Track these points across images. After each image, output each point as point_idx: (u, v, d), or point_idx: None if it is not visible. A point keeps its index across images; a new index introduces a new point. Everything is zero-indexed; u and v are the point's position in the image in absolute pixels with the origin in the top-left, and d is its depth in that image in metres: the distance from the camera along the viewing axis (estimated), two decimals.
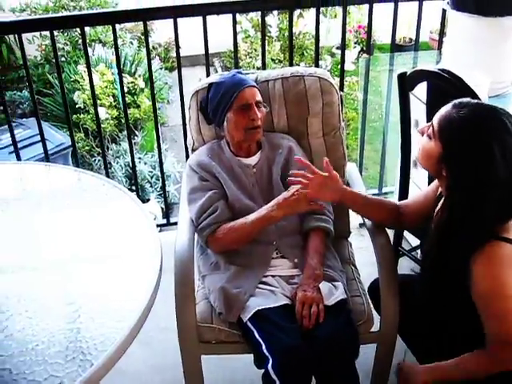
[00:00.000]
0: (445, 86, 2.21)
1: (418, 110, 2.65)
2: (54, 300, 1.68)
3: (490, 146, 1.62)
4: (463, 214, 1.69)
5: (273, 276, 2.15)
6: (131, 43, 6.82)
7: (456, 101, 1.73)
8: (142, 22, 3.20)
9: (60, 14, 5.48)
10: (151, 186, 5.30)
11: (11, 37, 6.85)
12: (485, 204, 1.66)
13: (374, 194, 2.53)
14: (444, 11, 3.19)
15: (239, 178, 2.26)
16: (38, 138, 3.31)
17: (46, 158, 3.34)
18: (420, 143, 1.81)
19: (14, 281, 1.76)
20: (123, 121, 5.82)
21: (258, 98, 2.23)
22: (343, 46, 3.23)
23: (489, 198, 1.65)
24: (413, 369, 1.89)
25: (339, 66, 3.37)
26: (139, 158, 5.47)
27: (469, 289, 1.70)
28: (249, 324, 2.01)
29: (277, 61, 6.64)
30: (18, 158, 3.26)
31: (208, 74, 2.99)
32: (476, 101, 1.72)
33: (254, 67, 6.53)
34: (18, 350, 1.49)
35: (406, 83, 2.41)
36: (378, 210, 2.16)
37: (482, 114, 1.67)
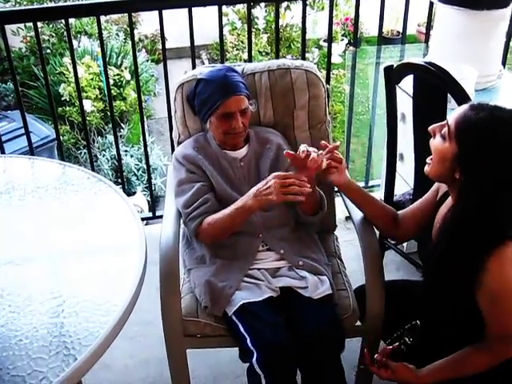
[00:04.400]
0: (431, 79, 2.21)
1: (404, 103, 2.65)
2: (37, 294, 1.66)
3: (507, 147, 1.61)
4: (478, 216, 1.67)
5: (258, 269, 2.14)
6: (117, 35, 6.80)
7: (473, 102, 1.70)
8: (127, 14, 3.18)
9: (44, 6, 5.42)
10: (137, 179, 5.29)
11: None
12: (501, 206, 1.65)
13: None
14: (431, 4, 3.19)
15: (226, 171, 2.24)
16: (22, 130, 3.29)
17: (31, 151, 3.31)
18: (432, 145, 1.76)
19: None
20: (109, 113, 5.81)
21: (244, 106, 2.19)
22: (330, 39, 3.22)
23: (505, 199, 1.64)
24: (411, 373, 1.82)
25: (326, 59, 3.36)
26: (125, 151, 5.46)
27: (472, 289, 1.70)
28: (234, 318, 2.01)
29: (264, 53, 6.64)
30: (2, 152, 3.23)
31: (194, 67, 2.97)
32: (494, 104, 1.68)
33: (240, 59, 6.52)
34: (1, 345, 1.48)
35: (393, 76, 2.40)
36: (380, 210, 2.14)
37: (501, 116, 1.64)
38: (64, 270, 1.83)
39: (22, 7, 5.83)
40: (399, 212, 2.14)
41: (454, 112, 1.71)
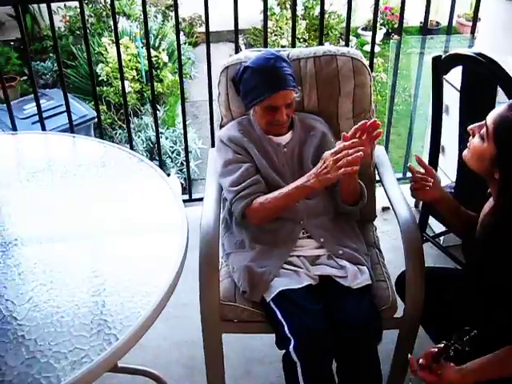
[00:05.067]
0: (481, 70, 2.17)
1: (448, 95, 2.61)
2: (79, 272, 1.67)
3: None
4: None
5: (298, 256, 2.13)
6: (155, 17, 6.79)
7: (511, 101, 1.66)
8: None
9: None
10: (172, 161, 5.29)
11: (35, 7, 6.84)
12: None
13: (398, 179, 2.50)
14: None
15: (270, 156, 2.22)
16: (61, 109, 3.31)
17: (71, 129, 3.33)
18: (470, 144, 1.74)
19: (40, 252, 1.76)
20: (145, 94, 5.82)
21: (290, 99, 2.17)
22: (374, 28, 3.19)
23: None
24: (456, 374, 1.71)
25: (363, 48, 3.32)
26: (161, 133, 5.46)
27: None
28: (272, 304, 2.00)
29: (302, 40, 6.58)
30: (43, 129, 3.25)
31: (237, 51, 2.94)
32: None
33: (279, 45, 6.47)
34: (44, 321, 1.49)
35: (441, 67, 2.37)
36: (467, 221, 2.04)
37: None
38: (106, 249, 1.84)
39: None
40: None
41: (493, 112, 1.67)
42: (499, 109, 1.66)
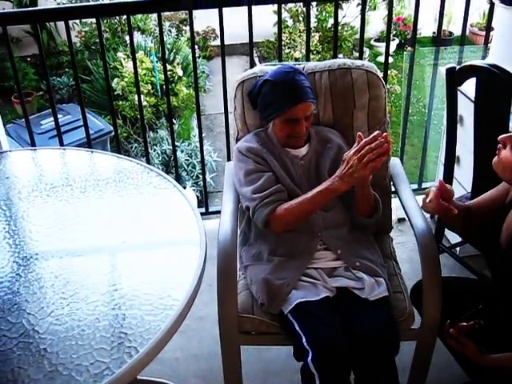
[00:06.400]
0: (495, 82, 2.18)
1: (463, 105, 2.61)
2: (99, 286, 1.69)
3: None
4: None
5: (315, 268, 2.14)
6: (169, 31, 6.85)
7: None
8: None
9: (106, 2, 5.53)
10: (187, 174, 5.33)
11: (51, 23, 6.92)
12: None
13: (413, 190, 2.50)
14: (492, 5, 3.14)
15: (288, 167, 2.23)
16: (77, 123, 3.35)
17: (89, 143, 3.36)
18: (501, 154, 1.73)
19: (61, 266, 1.78)
20: (160, 108, 5.86)
21: (310, 112, 2.19)
22: (388, 40, 3.19)
23: None
24: (478, 351, 1.82)
25: (377, 59, 3.34)
26: (176, 146, 5.50)
27: None
28: (289, 316, 2.01)
29: (315, 52, 6.61)
30: (61, 144, 3.29)
31: (252, 65, 2.97)
32: None
33: (292, 58, 6.50)
34: (65, 334, 1.51)
35: (455, 78, 2.38)
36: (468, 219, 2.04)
37: None
38: (125, 262, 1.86)
39: (85, 3, 5.95)
40: (470, 203, 2.09)
41: None
42: None
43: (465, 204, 2.07)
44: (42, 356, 1.45)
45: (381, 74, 2.44)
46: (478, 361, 1.82)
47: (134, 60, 3.16)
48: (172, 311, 1.57)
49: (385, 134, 1.98)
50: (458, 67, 2.37)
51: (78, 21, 6.42)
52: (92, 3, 2.85)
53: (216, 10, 2.93)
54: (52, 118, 3.26)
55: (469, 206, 2.05)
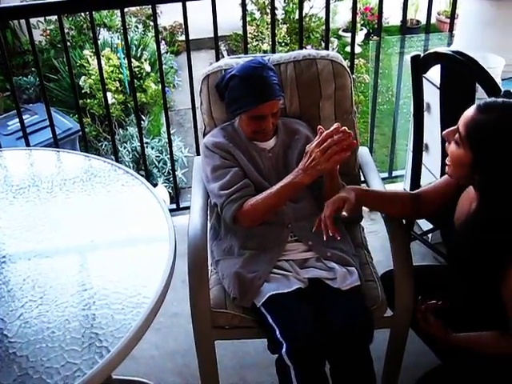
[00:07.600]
0: (459, 68, 2.19)
1: (429, 93, 2.63)
2: (69, 286, 1.67)
3: None
4: (499, 217, 1.66)
5: (286, 260, 2.14)
6: (136, 27, 6.80)
7: (480, 103, 1.63)
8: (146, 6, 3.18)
9: None
10: (158, 171, 5.30)
11: (15, 22, 6.82)
12: None
13: (383, 178, 2.51)
14: None
15: (256, 161, 2.23)
16: (45, 123, 3.30)
17: (56, 143, 3.32)
18: (448, 150, 1.72)
19: (29, 268, 1.76)
20: (129, 105, 5.82)
21: (277, 108, 2.18)
22: (353, 29, 3.21)
23: None
24: (442, 330, 1.90)
25: (345, 49, 3.35)
26: (146, 143, 5.46)
27: (495, 280, 1.68)
28: (262, 309, 2.01)
29: (283, 44, 6.60)
30: (27, 144, 3.25)
31: (218, 59, 2.95)
32: (501, 100, 1.61)
33: (260, 50, 6.49)
34: (35, 337, 1.49)
35: (420, 66, 2.39)
36: (390, 204, 2.11)
37: (511, 115, 1.58)
38: (94, 262, 1.85)
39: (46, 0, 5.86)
40: (421, 189, 2.12)
41: (463, 116, 1.65)
42: (469, 112, 1.63)
43: (375, 191, 2.19)
44: (12, 360, 1.43)
45: (347, 64, 2.44)
46: (443, 339, 1.88)
47: (99, 57, 3.12)
48: (142, 309, 1.55)
49: (343, 128, 1.97)
50: (422, 55, 2.38)
51: (42, 19, 6.33)
52: (52, 0, 2.79)
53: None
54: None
55: (417, 193, 2.11)
